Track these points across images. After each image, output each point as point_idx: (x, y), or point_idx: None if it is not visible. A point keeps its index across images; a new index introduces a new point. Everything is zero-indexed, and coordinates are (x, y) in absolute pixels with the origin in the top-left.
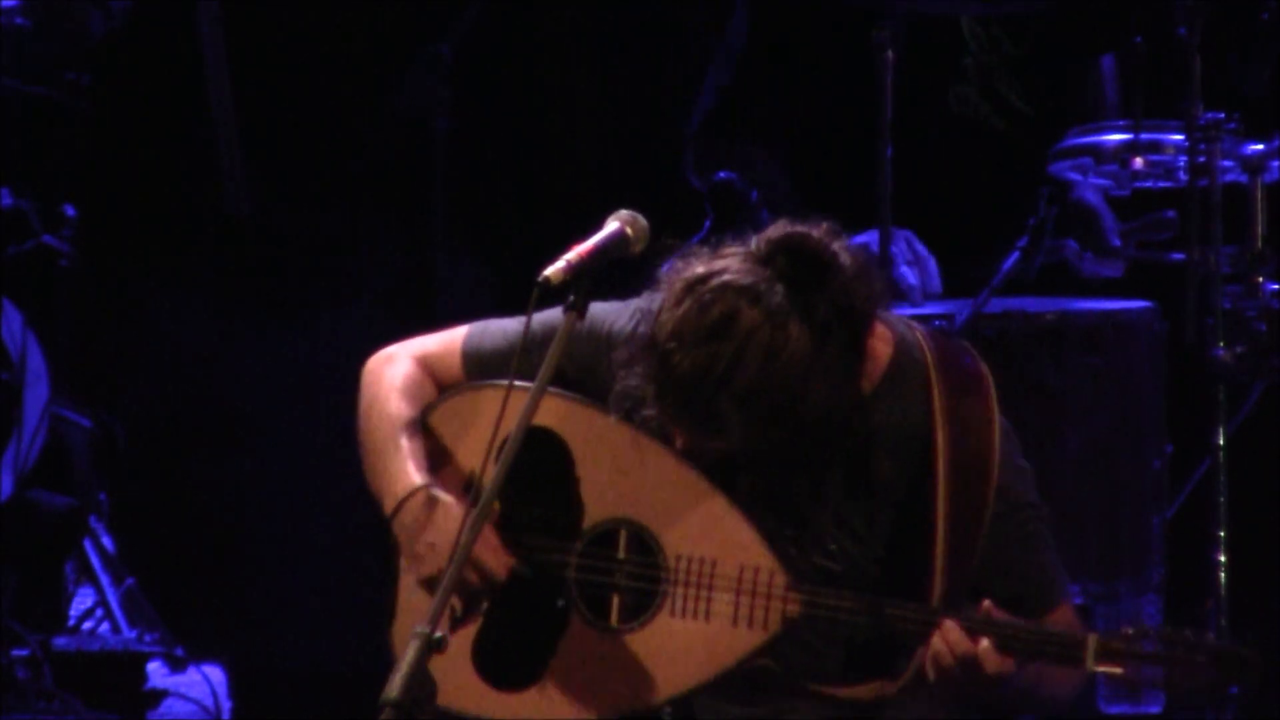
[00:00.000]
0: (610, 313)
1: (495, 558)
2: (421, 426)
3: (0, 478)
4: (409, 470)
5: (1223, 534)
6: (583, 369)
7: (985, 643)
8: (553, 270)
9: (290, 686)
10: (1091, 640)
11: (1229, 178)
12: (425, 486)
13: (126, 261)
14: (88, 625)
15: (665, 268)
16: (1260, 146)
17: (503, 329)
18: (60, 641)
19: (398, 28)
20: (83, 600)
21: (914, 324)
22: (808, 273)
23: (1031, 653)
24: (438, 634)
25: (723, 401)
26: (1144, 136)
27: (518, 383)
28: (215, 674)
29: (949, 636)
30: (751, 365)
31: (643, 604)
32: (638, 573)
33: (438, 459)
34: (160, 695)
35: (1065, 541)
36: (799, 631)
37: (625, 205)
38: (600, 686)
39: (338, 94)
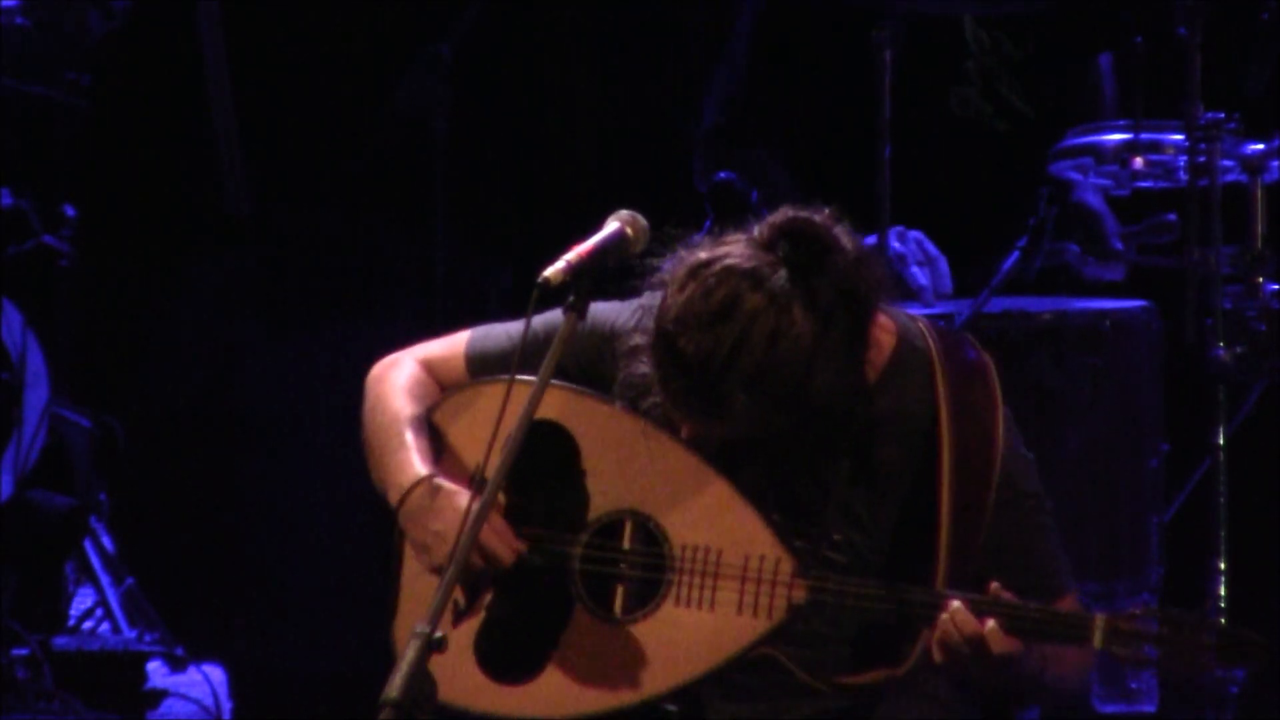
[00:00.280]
0: (611, 311)
1: (501, 542)
2: (426, 423)
3: (0, 478)
4: (414, 461)
5: (1223, 534)
6: (585, 367)
7: (992, 623)
8: (553, 270)
9: (290, 686)
10: (1100, 620)
11: (1229, 178)
12: (430, 476)
13: (126, 261)
14: (88, 625)
15: (666, 264)
16: (1260, 146)
17: (505, 331)
18: (60, 641)
19: (398, 28)
20: (83, 600)
21: (916, 316)
22: (810, 257)
23: (1039, 634)
24: (438, 634)
25: (728, 385)
26: (1144, 136)
27: (520, 376)
28: (215, 674)
29: (956, 618)
30: (756, 349)
31: (647, 594)
32: (643, 563)
33: (442, 453)
34: (160, 695)
35: (1063, 541)
36: (805, 619)
37: (625, 205)
38: (604, 677)
39: (338, 94)
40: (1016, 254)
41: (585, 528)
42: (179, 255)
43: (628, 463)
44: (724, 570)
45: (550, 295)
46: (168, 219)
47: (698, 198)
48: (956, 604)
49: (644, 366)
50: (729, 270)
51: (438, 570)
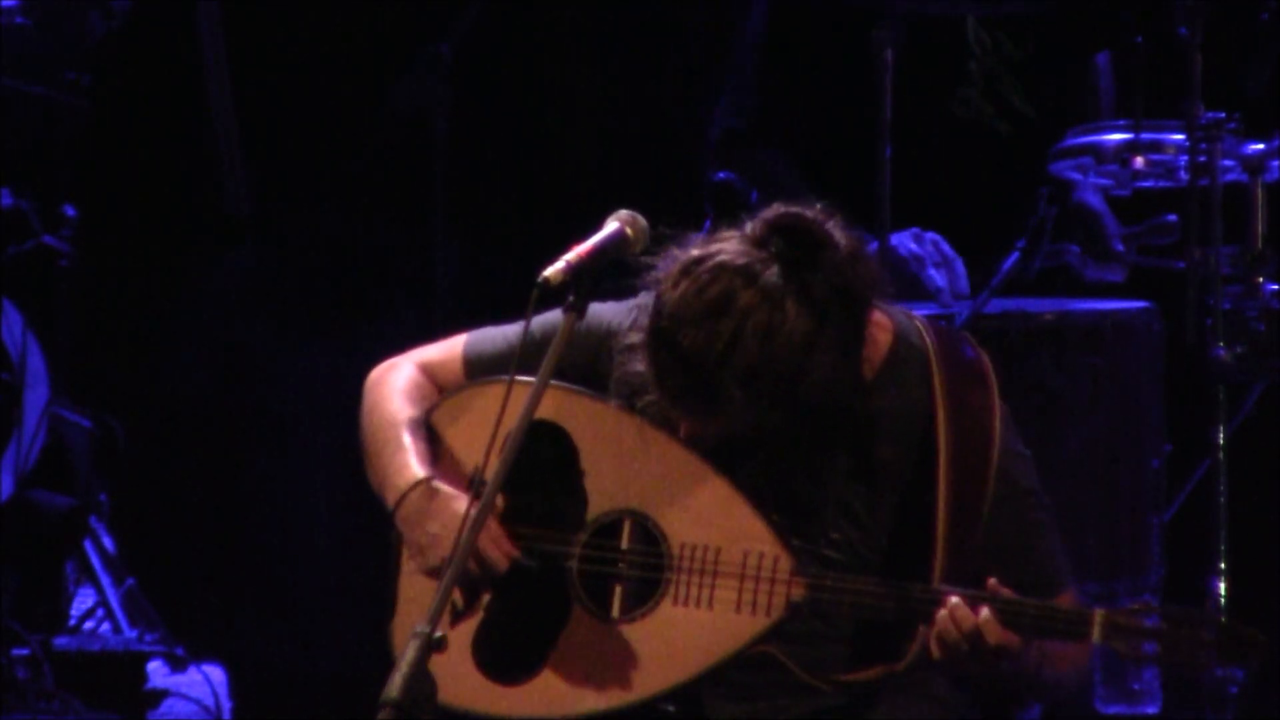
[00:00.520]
0: (608, 310)
1: (496, 548)
2: (424, 425)
3: (0, 478)
4: (411, 464)
5: (1223, 534)
6: (581, 367)
7: (986, 611)
8: (552, 270)
9: (290, 686)
10: (1098, 615)
11: (1229, 178)
12: (427, 479)
13: (127, 261)
14: (88, 625)
15: (661, 263)
16: (1261, 146)
17: (503, 333)
18: (60, 641)
19: (398, 28)
20: (83, 600)
21: (913, 314)
22: (803, 252)
23: (1037, 629)
24: (438, 634)
25: (723, 381)
26: (1144, 136)
27: (519, 377)
28: (215, 674)
29: (955, 613)
30: (750, 344)
31: (646, 593)
32: (641, 562)
33: (440, 455)
34: (160, 695)
35: (1063, 541)
36: (803, 617)
37: (625, 205)
38: (601, 677)
39: (338, 94)
40: (1016, 254)
41: (583, 528)
42: (179, 255)
43: (625, 462)
44: (722, 569)
45: (550, 295)
46: (168, 219)
47: (698, 198)
48: (955, 599)
49: (639, 365)
50: (722, 266)
51: (434, 573)
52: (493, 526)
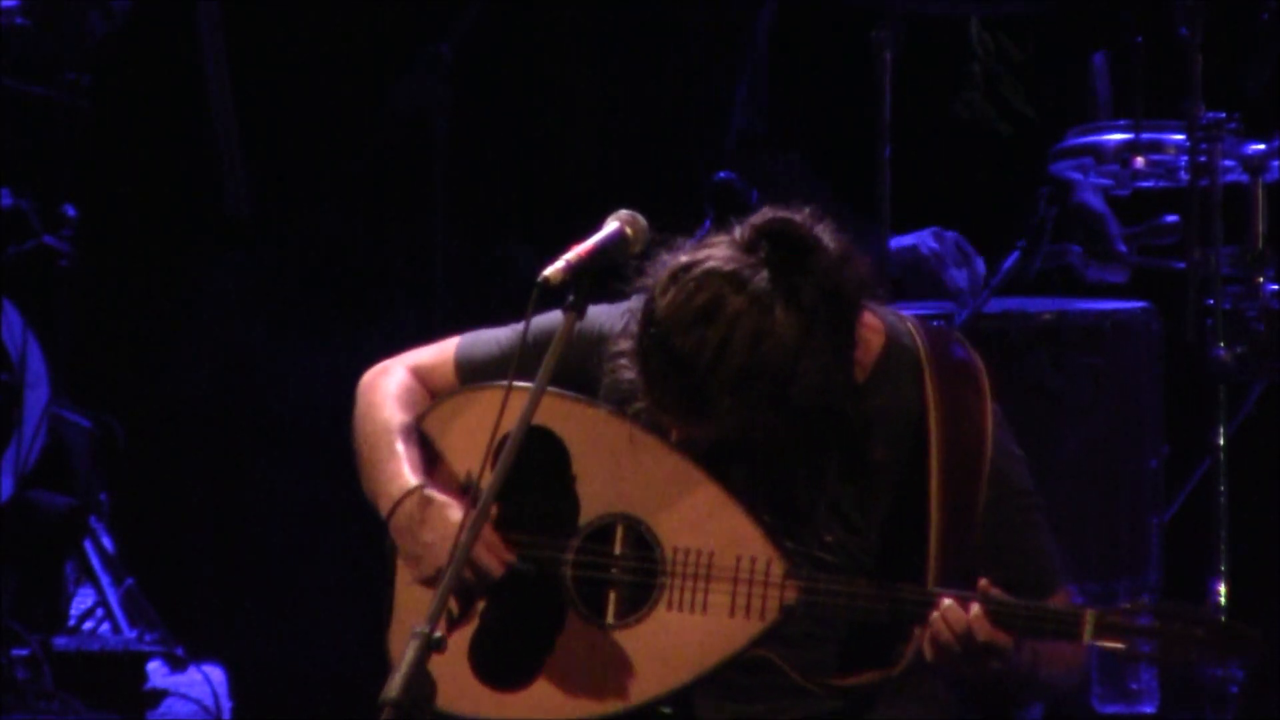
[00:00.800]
0: (601, 314)
1: (491, 555)
2: (416, 431)
3: (0, 478)
4: (404, 472)
5: (1223, 534)
6: (573, 371)
7: (976, 608)
8: (552, 270)
9: (290, 686)
10: (1089, 615)
11: (1230, 178)
12: (420, 487)
13: (127, 261)
14: (88, 625)
15: (650, 268)
16: (1261, 146)
17: (495, 336)
18: (60, 641)
19: (398, 28)
20: (83, 600)
21: (904, 315)
22: (791, 257)
23: (1029, 629)
24: (437, 634)
25: (712, 388)
26: (1145, 136)
27: (516, 383)
28: (215, 674)
29: (948, 614)
30: (739, 350)
31: (640, 598)
32: (635, 567)
33: (433, 462)
34: (160, 695)
35: (1063, 541)
36: (797, 620)
37: (625, 205)
38: (597, 683)
39: (338, 94)
40: (1016, 254)
41: (576, 533)
42: (179, 255)
43: (617, 467)
44: (716, 573)
45: (550, 295)
46: (168, 219)
47: (698, 198)
48: (948, 602)
49: (629, 372)
50: (710, 273)
51: (429, 582)
52: (487, 534)
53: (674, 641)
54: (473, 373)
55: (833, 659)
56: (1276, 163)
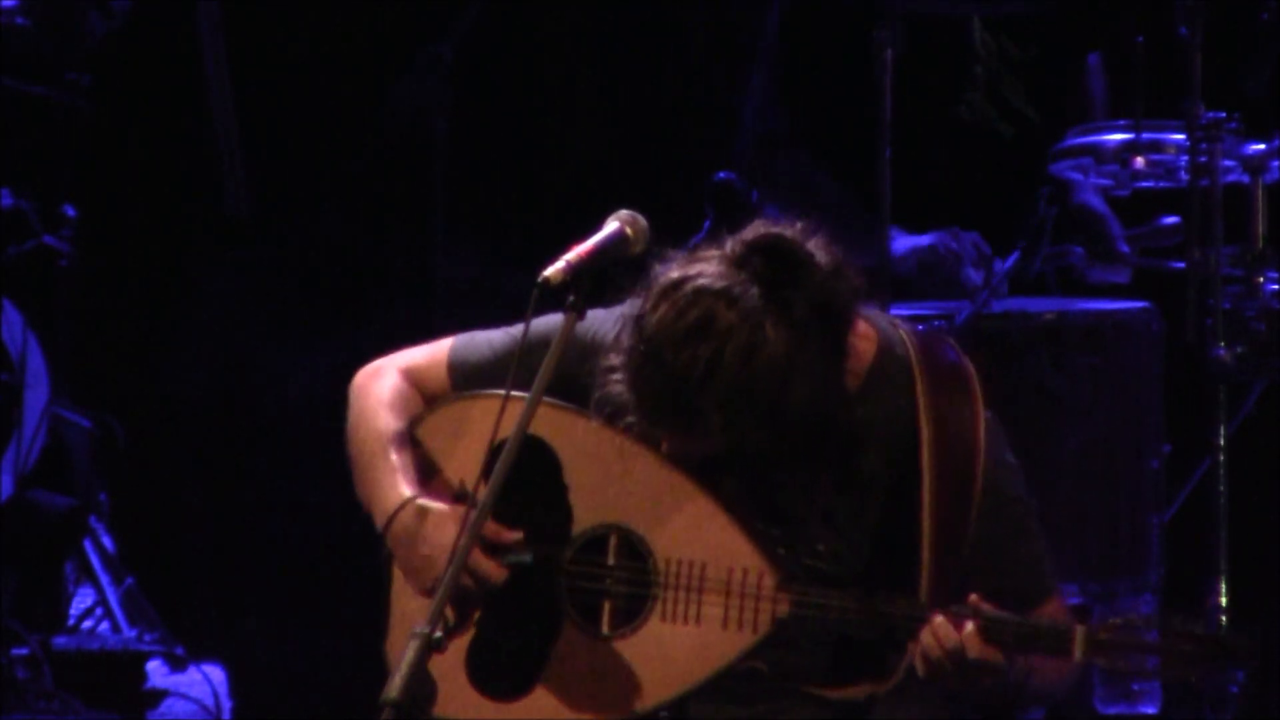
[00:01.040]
0: (595, 320)
1: (490, 563)
2: (410, 438)
3: (0, 478)
4: (398, 483)
5: (1223, 534)
6: (564, 376)
7: (970, 626)
8: (552, 271)
9: (290, 686)
10: (1080, 631)
11: (1230, 178)
12: (415, 498)
13: (126, 262)
14: (88, 625)
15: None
16: (1261, 146)
17: (488, 340)
18: (60, 641)
19: (398, 28)
20: (83, 600)
21: (898, 321)
22: (783, 272)
23: (1020, 645)
24: (437, 634)
25: (703, 404)
26: (1145, 136)
27: (514, 392)
28: (215, 674)
29: (938, 631)
30: (730, 367)
31: (634, 609)
32: (628, 578)
33: (427, 470)
34: (160, 695)
35: (1064, 541)
36: (789, 632)
37: (625, 205)
38: (593, 694)
39: (338, 95)
40: (1016, 254)
41: (570, 543)
42: (179, 256)
43: (610, 477)
44: (708, 585)
45: (550, 295)
46: (168, 220)
47: (698, 198)
48: (940, 619)
49: (619, 386)
50: (701, 290)
51: (428, 594)
52: (490, 527)
53: (669, 653)
54: (466, 376)
55: (825, 670)
56: (1276, 163)
